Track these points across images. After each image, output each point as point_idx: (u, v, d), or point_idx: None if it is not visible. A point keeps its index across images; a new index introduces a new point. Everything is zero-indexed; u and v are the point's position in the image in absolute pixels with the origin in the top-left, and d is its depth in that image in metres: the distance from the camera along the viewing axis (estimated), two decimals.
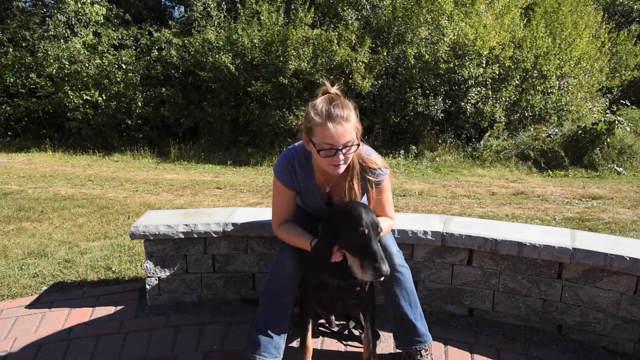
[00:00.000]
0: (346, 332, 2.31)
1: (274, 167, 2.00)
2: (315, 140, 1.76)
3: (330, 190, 2.00)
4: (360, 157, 1.90)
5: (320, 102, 1.77)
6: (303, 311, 2.01)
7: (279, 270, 1.97)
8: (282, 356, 1.96)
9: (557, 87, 10.20)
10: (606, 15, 12.55)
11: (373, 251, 1.67)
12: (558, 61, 10.07)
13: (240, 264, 2.60)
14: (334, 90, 1.83)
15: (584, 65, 10.59)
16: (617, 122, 8.95)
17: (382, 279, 1.66)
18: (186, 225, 2.48)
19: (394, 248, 2.00)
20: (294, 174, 1.96)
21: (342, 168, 1.80)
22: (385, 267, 1.64)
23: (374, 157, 1.93)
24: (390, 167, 2.00)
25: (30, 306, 2.62)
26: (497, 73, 9.60)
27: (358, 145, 1.79)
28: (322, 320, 2.33)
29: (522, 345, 2.23)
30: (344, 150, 1.74)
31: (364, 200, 2.03)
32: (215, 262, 2.59)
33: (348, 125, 1.73)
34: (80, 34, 10.81)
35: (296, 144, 2.02)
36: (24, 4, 12.22)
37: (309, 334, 1.97)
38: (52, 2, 12.04)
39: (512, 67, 9.73)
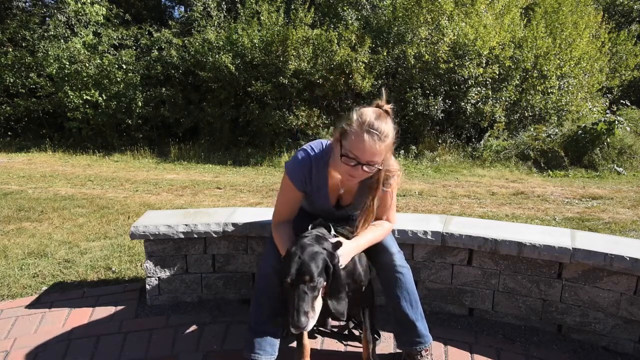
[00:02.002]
0: (346, 332, 2.31)
1: (288, 165, 1.94)
2: (344, 144, 1.72)
3: (341, 193, 2.00)
4: (386, 171, 1.86)
5: (368, 111, 1.72)
6: None
7: (264, 268, 1.96)
8: (277, 353, 1.96)
9: (557, 87, 10.21)
10: (606, 15, 12.56)
11: (291, 304, 1.59)
12: (558, 61, 10.07)
13: (240, 264, 2.60)
14: (387, 107, 1.78)
15: (584, 65, 10.59)
16: (617, 122, 8.95)
17: (306, 331, 1.60)
18: (186, 225, 2.48)
19: (394, 248, 2.00)
20: (309, 177, 1.92)
21: (355, 182, 1.82)
22: (299, 322, 1.54)
23: (393, 164, 1.90)
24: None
25: (30, 306, 2.62)
26: (497, 73, 9.60)
27: (380, 169, 1.76)
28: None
29: (522, 345, 2.23)
30: (365, 167, 1.71)
31: None
32: (215, 262, 2.59)
33: (382, 146, 1.69)
34: (80, 34, 10.82)
35: (314, 144, 1.95)
36: (24, 4, 12.22)
37: (306, 333, 1.96)
38: (52, 2, 12.04)
39: (512, 67, 9.73)
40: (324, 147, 1.93)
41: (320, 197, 1.99)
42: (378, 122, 1.68)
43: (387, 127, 1.71)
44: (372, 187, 1.87)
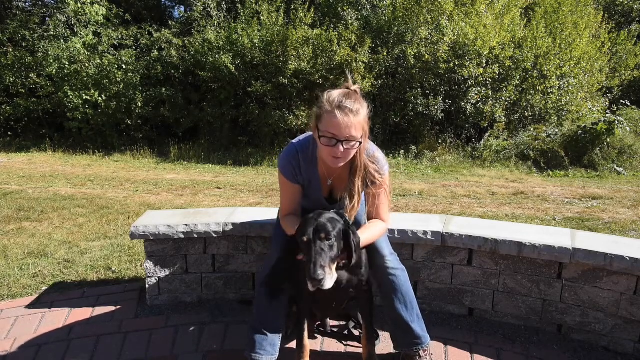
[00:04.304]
0: (346, 332, 2.31)
1: (278, 162, 2.00)
2: (320, 127, 1.77)
3: (332, 185, 2.00)
4: (367, 158, 1.90)
5: (336, 92, 1.79)
6: (299, 310, 2.01)
7: (270, 268, 1.97)
8: (277, 354, 1.96)
9: (557, 87, 10.20)
10: (606, 15, 12.56)
11: (309, 260, 1.65)
12: (558, 61, 10.07)
13: (240, 264, 2.60)
14: (354, 87, 1.84)
15: (584, 65, 10.59)
16: (617, 122, 8.95)
17: (324, 287, 1.62)
18: (186, 225, 2.48)
19: (386, 251, 2.00)
20: (298, 167, 1.95)
21: (341, 163, 1.79)
22: (316, 274, 1.59)
23: (378, 156, 1.94)
24: (390, 167, 2.01)
25: (30, 306, 2.62)
26: (497, 73, 9.60)
27: (360, 143, 1.78)
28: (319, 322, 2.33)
29: (522, 345, 2.23)
30: (344, 144, 1.73)
31: (362, 198, 2.02)
32: (215, 262, 2.59)
33: (355, 120, 1.73)
34: (80, 34, 10.81)
35: (300, 137, 2.02)
36: (24, 4, 12.21)
37: (306, 333, 1.97)
38: (52, 2, 12.04)
39: (512, 67, 9.73)
40: (308, 137, 1.98)
41: (313, 188, 2.00)
42: (347, 99, 1.74)
43: (357, 103, 1.76)
44: (354, 170, 1.88)
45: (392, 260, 1.98)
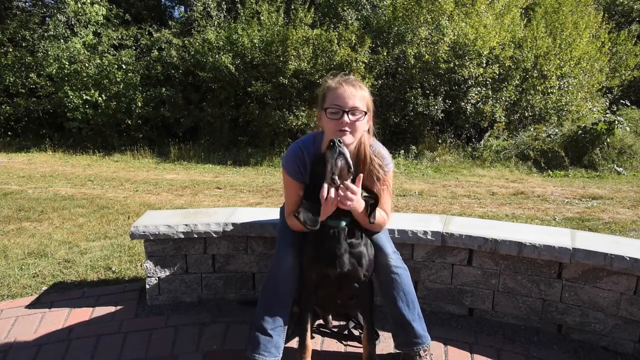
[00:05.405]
0: (346, 332, 2.31)
1: (283, 162, 2.01)
2: (325, 105, 1.83)
3: None
4: (373, 155, 1.93)
5: (338, 74, 1.91)
6: (301, 310, 2.00)
7: (277, 268, 1.97)
8: (281, 355, 1.95)
9: (557, 87, 10.21)
10: (606, 15, 12.56)
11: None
12: (558, 61, 10.07)
13: (240, 264, 2.60)
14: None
15: (584, 65, 10.59)
16: (617, 122, 8.95)
17: (346, 141, 1.69)
18: (186, 225, 2.48)
19: (389, 249, 2.00)
20: (303, 165, 1.97)
21: (349, 138, 1.82)
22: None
23: (384, 153, 1.97)
24: None
25: (30, 306, 2.62)
26: (497, 73, 9.60)
27: (366, 114, 1.84)
28: (321, 321, 2.33)
29: (522, 345, 2.23)
30: (349, 115, 1.79)
31: None
32: (215, 262, 2.59)
33: (359, 93, 1.82)
34: (80, 34, 10.81)
35: (303, 137, 2.06)
36: (24, 4, 12.22)
37: (308, 333, 1.97)
38: (52, 2, 12.04)
39: (512, 67, 9.73)
40: (310, 135, 2.03)
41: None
42: (349, 77, 1.89)
43: (360, 82, 1.89)
44: (359, 163, 1.91)
45: (395, 258, 1.98)
